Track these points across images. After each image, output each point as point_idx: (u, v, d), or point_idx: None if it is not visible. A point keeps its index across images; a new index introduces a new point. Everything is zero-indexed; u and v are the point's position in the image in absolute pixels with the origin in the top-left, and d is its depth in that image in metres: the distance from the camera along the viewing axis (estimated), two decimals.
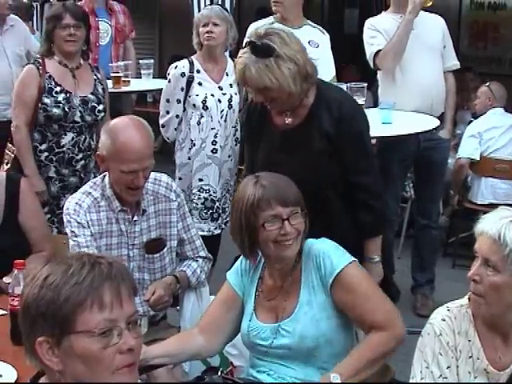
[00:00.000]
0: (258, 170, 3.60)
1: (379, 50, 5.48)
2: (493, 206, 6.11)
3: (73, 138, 4.99)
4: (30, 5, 10.53)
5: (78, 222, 3.52)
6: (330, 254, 2.97)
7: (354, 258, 2.99)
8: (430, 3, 5.28)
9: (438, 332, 2.68)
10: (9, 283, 3.22)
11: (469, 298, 2.70)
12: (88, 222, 3.53)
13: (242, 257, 3.19)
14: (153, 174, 3.60)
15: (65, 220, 3.59)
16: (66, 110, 4.92)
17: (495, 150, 6.66)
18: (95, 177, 5.08)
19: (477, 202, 6.75)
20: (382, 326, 2.88)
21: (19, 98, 5.04)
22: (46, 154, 5.01)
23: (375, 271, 3.67)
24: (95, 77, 5.16)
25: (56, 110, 4.91)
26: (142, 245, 3.61)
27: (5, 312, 3.24)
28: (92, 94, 5.06)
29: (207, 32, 5.32)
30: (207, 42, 5.36)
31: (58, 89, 4.95)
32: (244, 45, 3.46)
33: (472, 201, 6.83)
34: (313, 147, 3.53)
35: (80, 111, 4.97)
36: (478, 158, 6.67)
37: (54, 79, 4.97)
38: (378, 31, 5.56)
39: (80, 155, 5.04)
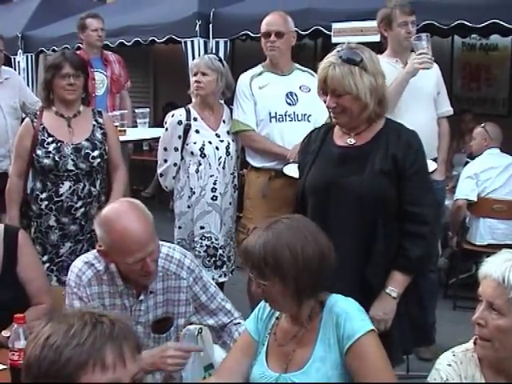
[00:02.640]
0: (308, 189, 3.66)
1: None
2: (492, 247, 6.17)
3: (70, 187, 4.97)
4: None
5: (79, 298, 3.37)
6: (353, 316, 2.88)
7: (373, 327, 2.89)
8: (430, 67, 5.26)
9: (445, 377, 2.64)
10: (8, 337, 3.18)
11: (474, 342, 2.67)
12: (88, 297, 3.38)
13: (260, 304, 3.18)
14: (165, 249, 3.43)
15: (68, 291, 3.43)
16: (57, 159, 4.92)
17: (493, 191, 6.66)
18: None
19: (475, 242, 6.74)
20: None
21: (15, 150, 5.12)
22: (45, 202, 5.00)
23: (388, 306, 3.54)
24: (95, 122, 5.13)
25: (46, 161, 4.92)
26: (148, 323, 3.45)
27: (4, 367, 3.20)
28: (87, 140, 5.03)
29: (196, 81, 5.38)
30: (196, 91, 5.42)
31: (49, 139, 4.96)
32: (332, 54, 3.55)
33: (471, 242, 6.81)
34: (375, 165, 3.50)
35: (72, 159, 4.94)
36: (475, 199, 6.66)
37: (47, 130, 4.98)
38: None
39: (79, 203, 5.01)
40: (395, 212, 3.52)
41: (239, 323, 3.58)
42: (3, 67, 7.22)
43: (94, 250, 3.42)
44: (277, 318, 3.10)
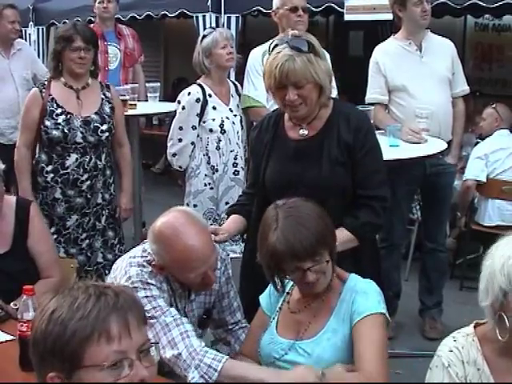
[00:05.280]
0: (268, 184, 3.67)
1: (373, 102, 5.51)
2: (500, 228, 6.15)
3: (77, 159, 5.00)
4: None
5: (157, 288, 3.12)
6: (369, 295, 2.95)
7: (384, 311, 2.93)
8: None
9: (447, 364, 2.62)
10: (17, 308, 3.20)
11: (474, 326, 2.67)
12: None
13: None
14: None
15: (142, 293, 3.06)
16: (66, 131, 4.93)
17: (502, 172, 6.62)
18: (103, 197, 5.12)
19: (484, 223, 6.72)
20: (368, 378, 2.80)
21: (22, 120, 5.10)
22: (51, 175, 5.02)
23: None
24: (103, 96, 5.15)
25: (56, 132, 4.93)
26: (196, 320, 3.35)
27: (13, 337, 3.22)
28: (96, 113, 5.06)
29: (229, 53, 5.41)
30: (228, 63, 5.46)
31: (58, 111, 4.97)
32: (274, 45, 3.56)
33: (479, 223, 6.79)
34: (330, 155, 3.54)
35: (81, 132, 4.96)
36: (484, 180, 6.64)
37: (56, 101, 4.99)
38: (378, 67, 5.53)
39: (85, 176, 5.03)
40: (353, 196, 3.59)
41: (246, 326, 3.52)
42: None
43: (136, 259, 3.18)
44: (287, 293, 3.15)
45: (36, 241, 3.96)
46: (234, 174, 5.45)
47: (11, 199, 4.03)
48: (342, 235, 3.44)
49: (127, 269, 3.13)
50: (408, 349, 5.50)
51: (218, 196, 5.44)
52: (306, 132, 3.63)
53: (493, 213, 6.68)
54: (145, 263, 3.14)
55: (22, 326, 3.02)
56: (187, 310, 3.28)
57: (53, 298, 1.93)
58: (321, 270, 2.91)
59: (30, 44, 9.95)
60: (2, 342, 3.27)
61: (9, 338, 3.29)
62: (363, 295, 2.95)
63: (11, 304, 3.51)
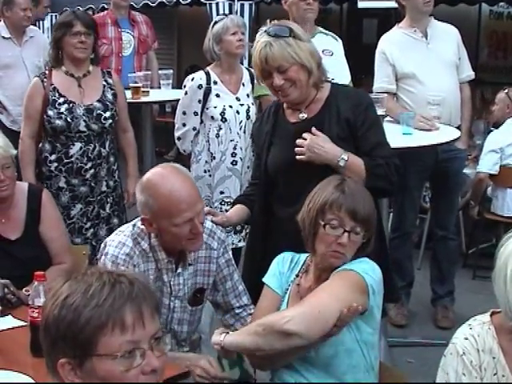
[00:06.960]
0: (270, 169, 3.66)
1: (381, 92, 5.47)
2: None
3: (81, 148, 4.97)
4: None
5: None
6: (353, 263, 2.99)
7: (363, 275, 2.94)
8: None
9: (461, 352, 2.60)
10: (29, 294, 3.21)
11: (490, 315, 2.65)
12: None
13: (277, 259, 3.25)
14: None
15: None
16: (69, 120, 4.92)
17: None
18: (107, 185, 5.11)
19: (503, 214, 6.61)
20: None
21: (25, 111, 5.08)
22: (55, 164, 5.00)
23: (330, 149, 3.45)
24: (105, 82, 5.13)
25: (59, 122, 4.92)
26: (185, 296, 3.36)
27: (25, 323, 3.23)
28: (99, 101, 5.03)
29: (240, 40, 5.36)
30: (239, 50, 5.40)
31: (61, 100, 4.95)
32: (258, 35, 3.53)
33: (496, 213, 6.72)
34: (330, 132, 3.51)
35: (84, 120, 4.94)
36: (496, 173, 6.55)
37: (57, 91, 4.97)
38: (385, 57, 5.53)
39: (89, 164, 5.01)
40: None
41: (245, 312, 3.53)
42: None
43: (121, 234, 3.27)
44: (297, 276, 3.17)
45: (48, 227, 3.98)
46: (231, 163, 5.39)
47: (23, 185, 4.05)
48: (355, 157, 3.47)
49: (107, 247, 3.24)
50: (420, 338, 5.50)
51: (213, 184, 5.42)
52: (305, 115, 3.63)
53: (511, 203, 6.61)
54: (128, 239, 3.23)
55: (33, 311, 3.04)
56: (173, 284, 3.29)
57: (65, 282, 1.91)
58: (355, 239, 2.98)
59: (43, 31, 9.94)
60: (13, 328, 3.29)
61: (20, 323, 3.31)
62: (353, 262, 3.01)
63: (23, 290, 3.52)
